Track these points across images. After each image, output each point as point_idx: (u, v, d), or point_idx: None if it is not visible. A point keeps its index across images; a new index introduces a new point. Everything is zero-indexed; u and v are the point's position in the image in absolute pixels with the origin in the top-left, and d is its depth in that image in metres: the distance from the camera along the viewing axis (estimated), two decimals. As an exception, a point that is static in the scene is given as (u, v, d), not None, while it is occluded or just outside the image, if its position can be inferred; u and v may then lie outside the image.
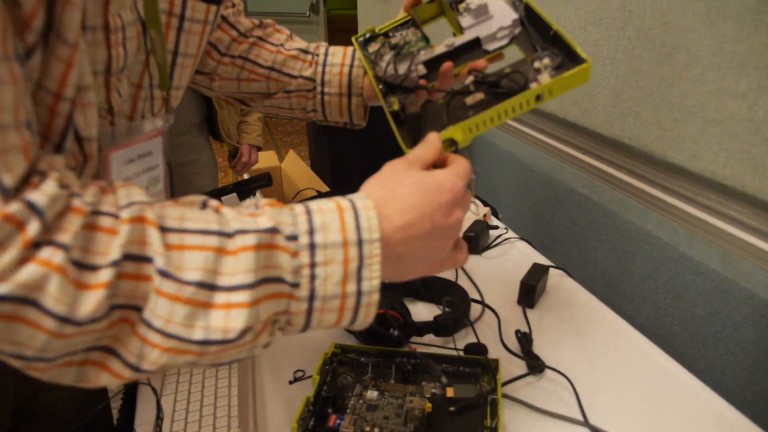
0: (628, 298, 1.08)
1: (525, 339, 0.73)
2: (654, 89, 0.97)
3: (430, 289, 0.82)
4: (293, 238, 0.39)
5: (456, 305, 0.77)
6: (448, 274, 0.88)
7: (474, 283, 0.88)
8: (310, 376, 0.70)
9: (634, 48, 1.00)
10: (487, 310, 0.80)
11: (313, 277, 0.39)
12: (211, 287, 0.36)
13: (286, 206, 0.41)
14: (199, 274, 0.36)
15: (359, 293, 0.40)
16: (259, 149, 1.39)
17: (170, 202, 0.40)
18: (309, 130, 2.02)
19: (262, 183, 0.86)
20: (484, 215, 1.04)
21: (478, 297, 0.83)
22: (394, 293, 0.81)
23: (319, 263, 0.39)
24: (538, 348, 0.74)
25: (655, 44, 0.96)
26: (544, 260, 0.95)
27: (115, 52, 0.46)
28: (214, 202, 0.41)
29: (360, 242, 0.40)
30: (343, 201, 0.42)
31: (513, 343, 0.74)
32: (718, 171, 0.88)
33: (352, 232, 0.40)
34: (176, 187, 1.31)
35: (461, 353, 0.70)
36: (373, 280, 0.40)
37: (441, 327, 0.72)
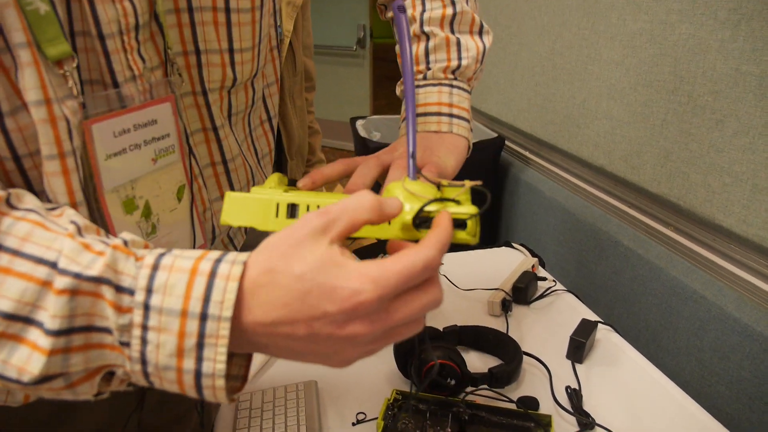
0: (672, 353, 1.10)
1: (575, 395, 0.77)
2: (704, 153, 1.01)
3: (483, 340, 0.87)
4: (129, 291, 0.36)
5: (510, 357, 0.81)
6: (500, 324, 0.92)
7: (520, 335, 0.92)
8: (372, 419, 0.74)
9: (684, 112, 1.04)
10: (537, 363, 0.84)
11: (144, 341, 0.36)
12: (25, 320, 0.35)
13: (139, 252, 0.38)
14: (11, 305, 0.35)
15: (198, 374, 0.36)
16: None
17: (37, 216, 0.38)
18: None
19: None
20: (533, 266, 1.08)
21: (528, 348, 0.87)
22: (449, 343, 0.86)
23: (152, 328, 0.35)
24: (588, 404, 0.77)
25: (706, 110, 0.99)
26: (590, 314, 0.98)
27: (120, 6, 0.45)
28: (80, 223, 0.39)
29: (203, 316, 0.35)
30: (205, 262, 0.37)
31: (563, 398, 0.78)
32: (767, 237, 0.90)
33: (197, 302, 0.35)
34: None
35: (514, 405, 0.74)
36: (217, 363, 0.36)
37: (495, 378, 0.76)
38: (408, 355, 0.78)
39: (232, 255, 0.37)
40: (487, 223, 1.81)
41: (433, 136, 0.63)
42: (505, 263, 1.15)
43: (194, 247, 0.58)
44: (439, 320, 0.95)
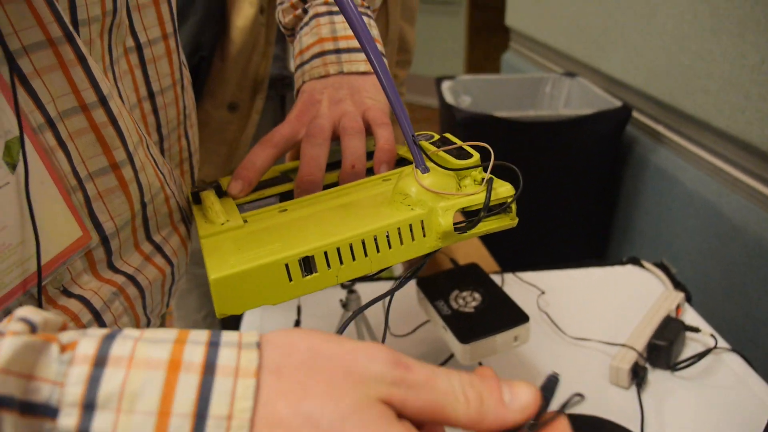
0: None
1: None
2: None
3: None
4: (47, 411, 0.20)
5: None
6: (629, 411, 0.62)
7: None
8: None
9: None
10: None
11: None
12: None
13: (63, 336, 0.22)
14: None
15: None
16: None
17: None
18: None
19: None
20: (677, 306, 0.75)
21: (675, 459, 0.57)
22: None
23: None
24: None
25: None
26: (770, 392, 0.65)
27: None
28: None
29: None
30: (192, 348, 0.22)
31: None
32: None
33: (184, 422, 0.21)
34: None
35: None
36: None
37: None
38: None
39: (232, 335, 0.24)
40: (599, 221, 1.45)
41: (355, 77, 0.52)
42: (632, 294, 0.82)
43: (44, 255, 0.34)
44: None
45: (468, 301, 0.64)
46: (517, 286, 0.85)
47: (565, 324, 0.77)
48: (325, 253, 0.35)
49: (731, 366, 0.70)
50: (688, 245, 1.16)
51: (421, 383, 0.24)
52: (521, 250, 1.27)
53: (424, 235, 0.37)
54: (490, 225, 0.39)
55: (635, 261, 0.91)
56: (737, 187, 1.03)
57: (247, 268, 0.34)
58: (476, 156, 0.40)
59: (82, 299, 0.36)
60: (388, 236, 0.37)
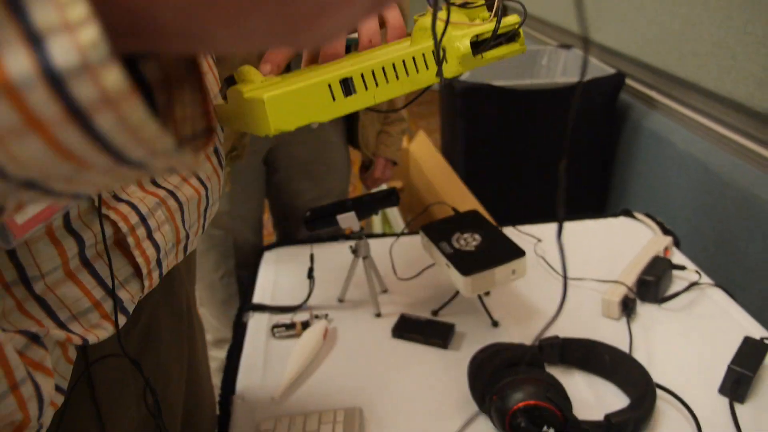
0: None
1: (740, 463, 0.52)
2: None
3: (596, 360, 0.62)
4: None
5: (636, 392, 0.57)
6: (620, 338, 0.67)
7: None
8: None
9: None
10: (676, 401, 0.59)
11: None
12: None
13: None
14: None
15: (48, 75, 0.13)
16: (395, 164, 1.22)
17: None
18: (443, 111, 1.84)
19: (388, 202, 0.70)
20: (665, 249, 0.81)
21: (660, 375, 0.62)
22: (544, 370, 0.62)
23: None
24: (757, 475, 0.52)
25: None
26: (749, 321, 0.71)
27: None
28: None
29: None
30: None
31: (717, 461, 0.53)
32: None
33: None
34: (302, 183, 1.21)
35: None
36: (82, 30, 0.13)
37: (616, 430, 0.52)
38: (487, 387, 0.55)
39: None
40: (596, 184, 1.50)
41: None
42: (625, 241, 0.88)
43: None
44: (533, 323, 0.72)
45: (469, 241, 0.69)
46: (515, 237, 0.90)
47: (560, 267, 0.82)
48: (362, 75, 0.40)
49: (714, 299, 0.75)
50: (681, 202, 1.21)
51: None
52: (521, 213, 1.32)
53: (446, 61, 0.42)
54: (502, 50, 0.43)
55: (627, 213, 0.96)
56: (725, 144, 1.08)
57: (295, 88, 0.38)
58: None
59: (130, 204, 0.43)
60: (415, 61, 0.41)
